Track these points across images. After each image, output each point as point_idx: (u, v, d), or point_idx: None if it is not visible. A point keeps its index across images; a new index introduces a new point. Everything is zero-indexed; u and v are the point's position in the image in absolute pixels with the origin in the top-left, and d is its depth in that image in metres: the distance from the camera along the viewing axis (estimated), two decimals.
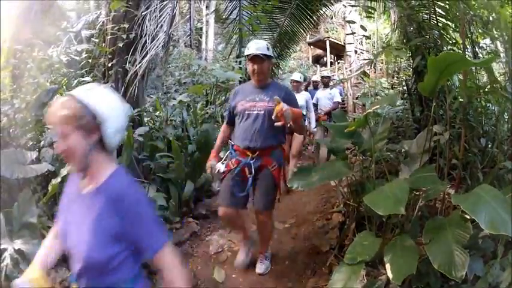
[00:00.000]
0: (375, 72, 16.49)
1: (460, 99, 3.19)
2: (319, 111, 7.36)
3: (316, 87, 8.52)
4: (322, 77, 8.05)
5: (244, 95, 3.19)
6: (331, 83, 8.28)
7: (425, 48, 4.58)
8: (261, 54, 3.02)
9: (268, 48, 3.08)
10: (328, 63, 21.93)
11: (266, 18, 7.70)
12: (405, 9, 3.95)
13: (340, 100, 7.75)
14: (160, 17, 4.92)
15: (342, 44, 21.65)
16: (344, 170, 3.00)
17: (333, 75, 16.78)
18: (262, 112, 3.05)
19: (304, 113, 5.66)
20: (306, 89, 8.79)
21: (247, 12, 8.04)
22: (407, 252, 2.18)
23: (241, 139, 3.15)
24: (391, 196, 2.13)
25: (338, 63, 21.15)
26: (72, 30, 6.18)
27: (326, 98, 7.46)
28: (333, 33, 23.23)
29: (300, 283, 3.39)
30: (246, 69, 8.19)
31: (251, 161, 3.09)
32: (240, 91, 3.31)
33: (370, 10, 4.80)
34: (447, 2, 4.09)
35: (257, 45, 3.06)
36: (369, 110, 2.84)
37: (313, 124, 6.40)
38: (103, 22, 5.14)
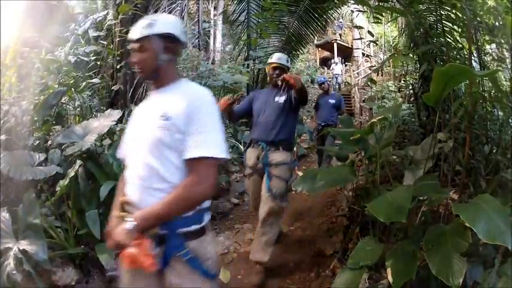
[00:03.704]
0: (382, 75, 16.45)
1: (465, 106, 3.21)
2: None
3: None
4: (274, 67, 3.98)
5: None
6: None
7: (431, 54, 4.58)
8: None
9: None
10: None
11: (274, 22, 7.71)
12: (411, 15, 3.96)
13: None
14: None
15: (350, 46, 21.64)
16: (350, 176, 3.03)
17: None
18: None
19: None
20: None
21: (256, 16, 8.09)
22: (408, 258, 2.22)
23: None
24: (393, 204, 2.17)
25: (345, 65, 21.17)
26: (78, 32, 6.20)
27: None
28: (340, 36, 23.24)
29: (304, 285, 3.44)
30: (253, 72, 8.29)
31: None
32: None
33: (377, 16, 4.80)
34: (454, 10, 4.10)
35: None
36: (373, 120, 2.90)
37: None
38: (111, 24, 5.20)
